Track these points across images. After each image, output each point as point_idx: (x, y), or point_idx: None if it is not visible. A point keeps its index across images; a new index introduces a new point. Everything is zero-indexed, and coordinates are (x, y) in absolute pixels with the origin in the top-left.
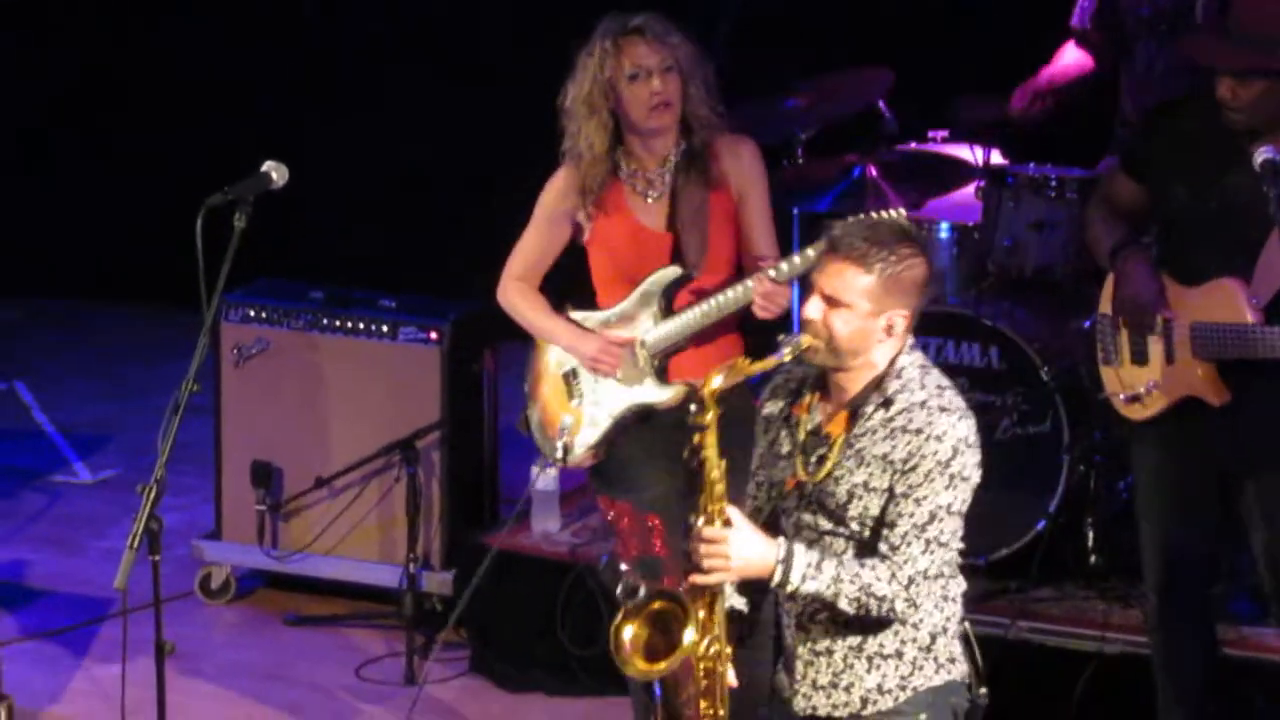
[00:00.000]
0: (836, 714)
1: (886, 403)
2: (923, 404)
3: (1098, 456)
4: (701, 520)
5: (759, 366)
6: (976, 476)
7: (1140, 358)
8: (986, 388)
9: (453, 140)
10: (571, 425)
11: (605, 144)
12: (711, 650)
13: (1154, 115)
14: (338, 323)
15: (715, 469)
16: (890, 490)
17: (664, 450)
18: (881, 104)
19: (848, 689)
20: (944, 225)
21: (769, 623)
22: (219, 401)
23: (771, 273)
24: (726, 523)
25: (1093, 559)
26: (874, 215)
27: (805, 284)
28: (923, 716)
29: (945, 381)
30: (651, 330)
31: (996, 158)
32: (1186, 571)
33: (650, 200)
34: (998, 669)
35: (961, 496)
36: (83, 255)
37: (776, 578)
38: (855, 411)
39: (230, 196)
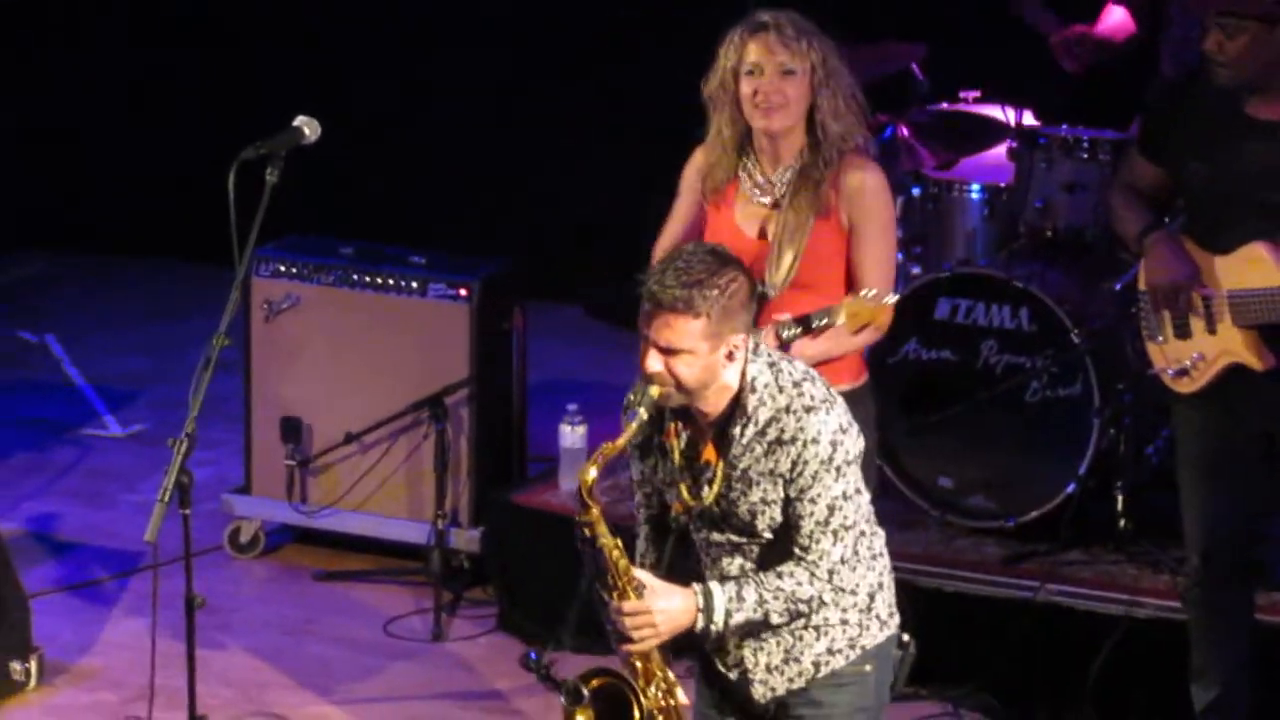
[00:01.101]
0: (794, 686)
1: (751, 419)
2: (787, 409)
3: (1128, 419)
4: (617, 597)
5: (623, 441)
6: (860, 448)
7: (1183, 332)
8: (1017, 350)
9: (489, 97)
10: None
11: (734, 137)
12: (660, 692)
13: (1163, 98)
14: (368, 279)
15: (615, 550)
16: (786, 498)
17: None
18: (914, 65)
19: (799, 659)
20: (975, 186)
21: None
22: (249, 356)
23: (784, 333)
24: (640, 591)
25: (1122, 523)
26: (679, 254)
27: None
28: (868, 668)
29: (799, 372)
30: None
31: (1029, 118)
32: (1228, 536)
33: (757, 204)
34: (1025, 632)
35: (853, 478)
36: (114, 209)
37: (701, 623)
38: (723, 434)
39: (262, 151)
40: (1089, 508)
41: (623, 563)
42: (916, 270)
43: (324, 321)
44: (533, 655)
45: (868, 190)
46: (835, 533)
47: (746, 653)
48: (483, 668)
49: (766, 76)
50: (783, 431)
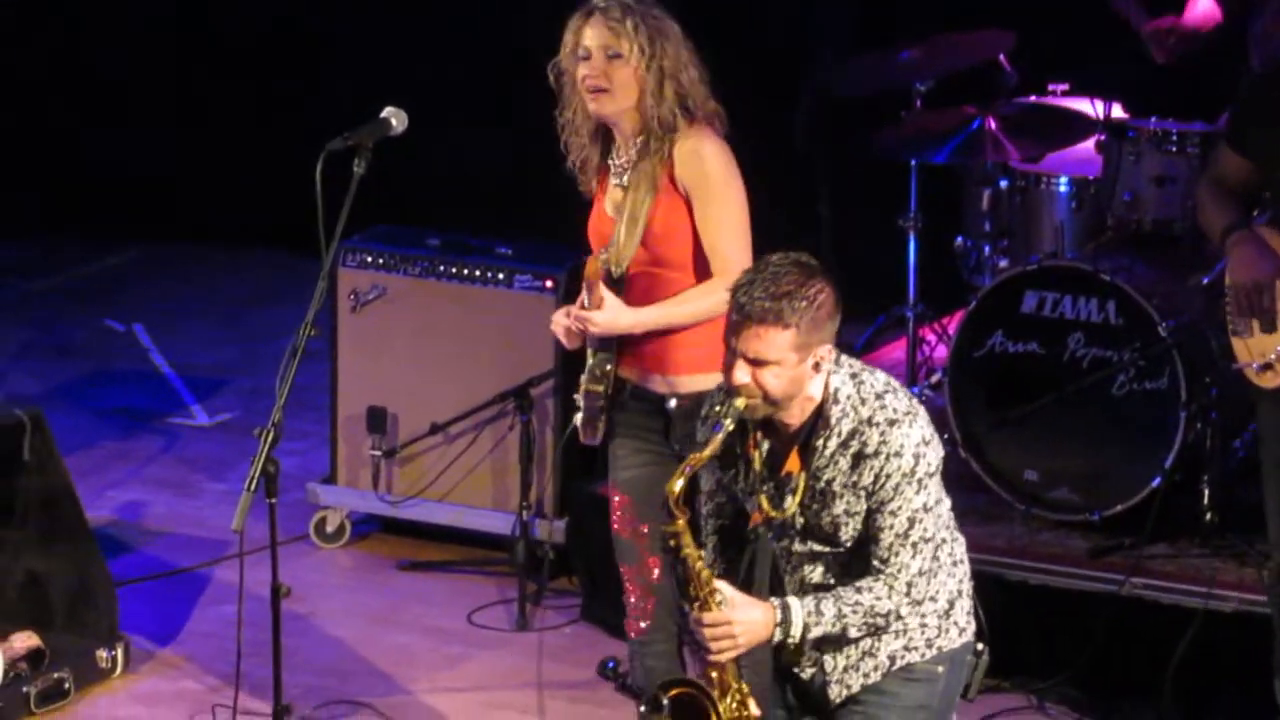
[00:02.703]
0: (869, 681)
1: (835, 431)
2: (870, 421)
3: (1214, 413)
4: (697, 608)
5: (709, 452)
6: (940, 458)
7: (1269, 326)
8: (1104, 343)
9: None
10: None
11: (588, 123)
12: (735, 703)
13: (1253, 89)
14: (454, 269)
15: (698, 561)
16: (867, 511)
17: (635, 431)
18: (1001, 57)
19: (874, 654)
20: (1063, 179)
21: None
22: (335, 347)
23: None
24: (720, 603)
25: (1208, 516)
26: (767, 265)
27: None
28: (940, 668)
29: (880, 383)
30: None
31: (1117, 111)
32: None
33: (616, 187)
34: (1109, 625)
35: (934, 489)
36: (202, 200)
37: (778, 636)
38: (806, 445)
39: (350, 142)
40: (1174, 501)
41: (705, 574)
42: (1004, 263)
43: (410, 312)
44: (610, 664)
45: (699, 156)
46: (915, 545)
47: (825, 656)
48: (567, 657)
49: (594, 61)
50: (865, 445)
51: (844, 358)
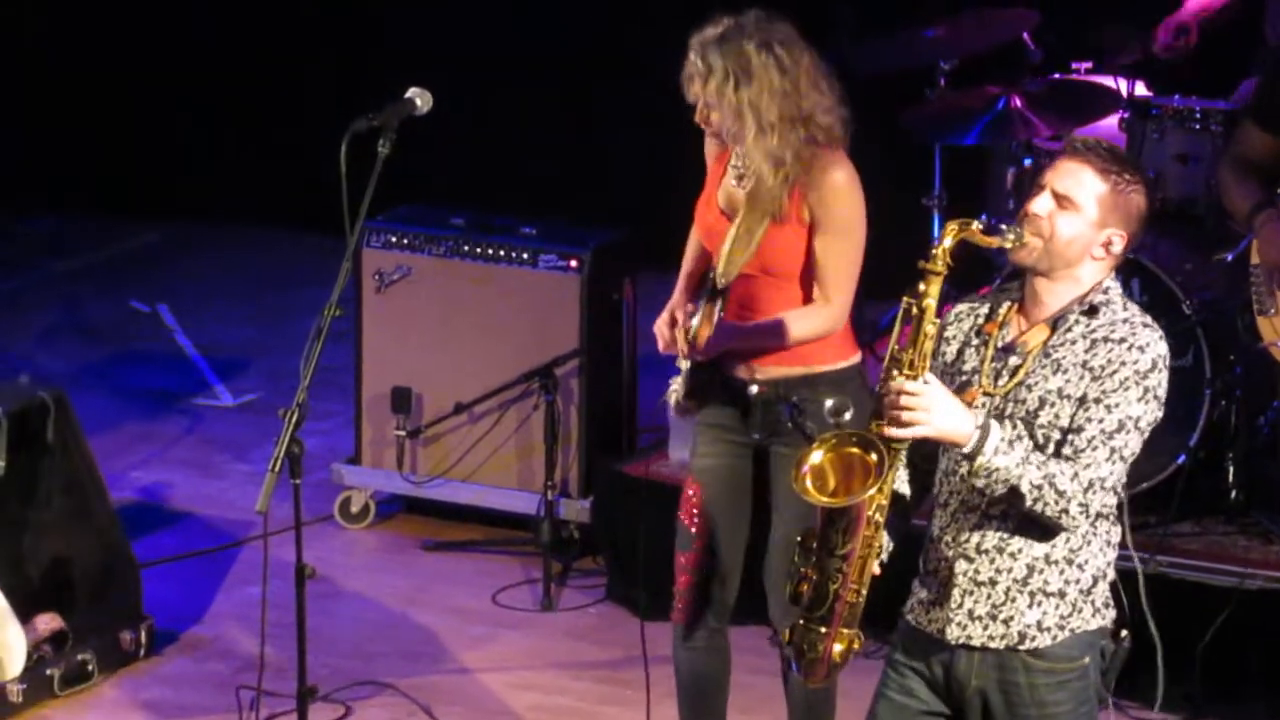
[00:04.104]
0: (992, 645)
1: (1091, 311)
2: (1126, 320)
3: (1239, 391)
4: (901, 375)
5: (986, 240)
6: (1166, 391)
7: None
8: None
9: (606, 69)
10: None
11: None
12: (878, 517)
13: (1277, 65)
14: (479, 249)
15: (930, 324)
16: (1083, 397)
17: (716, 420)
18: (1025, 35)
19: (1006, 622)
20: None
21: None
22: (360, 327)
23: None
24: (929, 383)
25: (1233, 494)
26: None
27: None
28: (1085, 660)
29: (1143, 312)
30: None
31: (1141, 89)
32: None
33: (732, 179)
34: (1134, 603)
35: (1151, 413)
36: (227, 179)
37: (971, 444)
38: (1056, 323)
39: (375, 123)
40: (1200, 479)
41: (928, 346)
42: None
43: (435, 292)
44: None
45: (834, 192)
46: (1114, 450)
47: (956, 591)
48: (592, 637)
49: (695, 101)
50: (1113, 330)
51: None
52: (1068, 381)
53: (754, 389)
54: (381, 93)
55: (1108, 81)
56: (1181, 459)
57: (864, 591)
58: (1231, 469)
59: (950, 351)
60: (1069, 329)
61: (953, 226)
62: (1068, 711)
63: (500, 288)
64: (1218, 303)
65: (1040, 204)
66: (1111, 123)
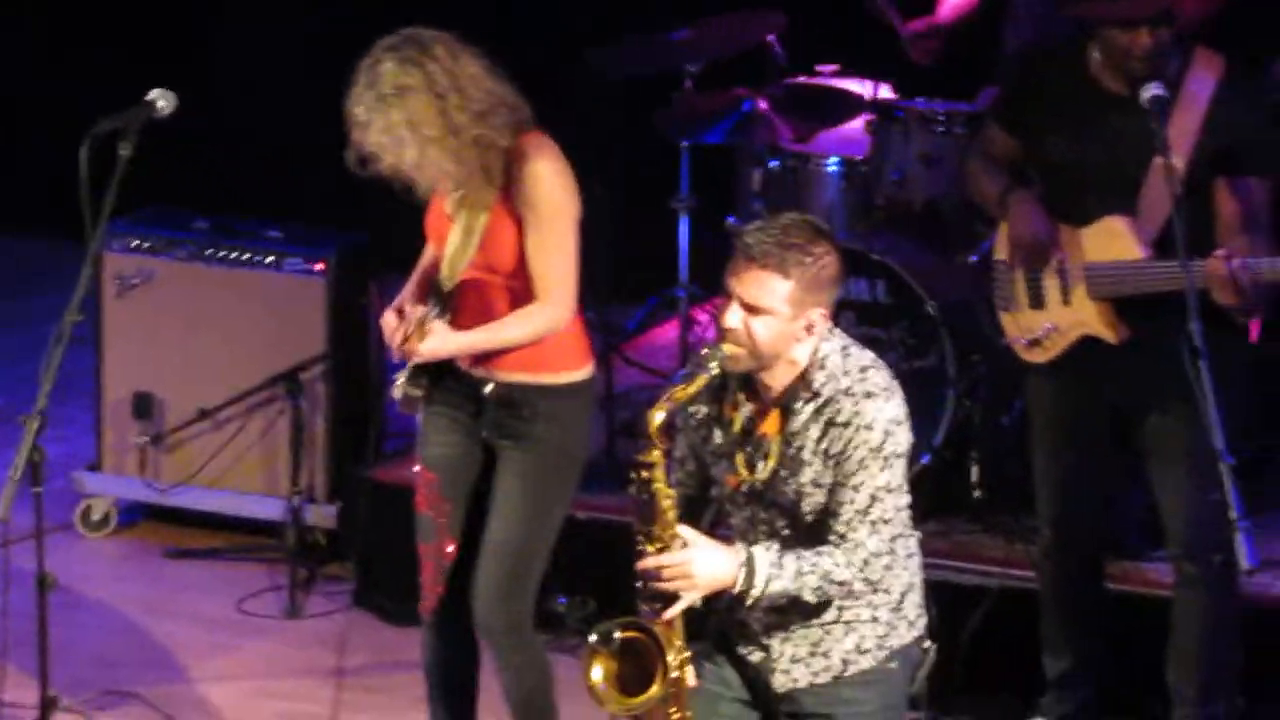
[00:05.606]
0: (818, 680)
1: (814, 396)
2: (848, 392)
3: (982, 389)
4: (658, 548)
5: (694, 389)
6: (909, 443)
7: (1037, 301)
8: (873, 322)
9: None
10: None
11: None
12: (677, 662)
13: (1022, 69)
14: (222, 253)
15: (666, 499)
16: (832, 485)
17: (448, 411)
18: (772, 38)
19: (827, 654)
20: (832, 159)
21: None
22: (100, 332)
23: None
24: (683, 545)
25: (977, 493)
26: (781, 217)
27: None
28: (894, 665)
29: (867, 359)
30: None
31: (885, 92)
32: (1079, 506)
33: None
34: None
35: (899, 471)
36: None
37: (740, 584)
38: (786, 409)
39: (116, 125)
40: (945, 479)
41: (671, 514)
42: None
43: (177, 296)
44: (562, 600)
45: (535, 179)
46: (874, 524)
47: (774, 642)
48: (338, 644)
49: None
50: (838, 413)
51: (839, 330)
52: (816, 472)
53: (489, 388)
54: (134, 90)
55: (852, 84)
56: (926, 459)
57: (689, 713)
58: (976, 468)
59: (698, 434)
60: (799, 412)
61: (656, 409)
62: (871, 712)
63: (244, 291)
64: (962, 303)
65: (732, 318)
66: (856, 126)
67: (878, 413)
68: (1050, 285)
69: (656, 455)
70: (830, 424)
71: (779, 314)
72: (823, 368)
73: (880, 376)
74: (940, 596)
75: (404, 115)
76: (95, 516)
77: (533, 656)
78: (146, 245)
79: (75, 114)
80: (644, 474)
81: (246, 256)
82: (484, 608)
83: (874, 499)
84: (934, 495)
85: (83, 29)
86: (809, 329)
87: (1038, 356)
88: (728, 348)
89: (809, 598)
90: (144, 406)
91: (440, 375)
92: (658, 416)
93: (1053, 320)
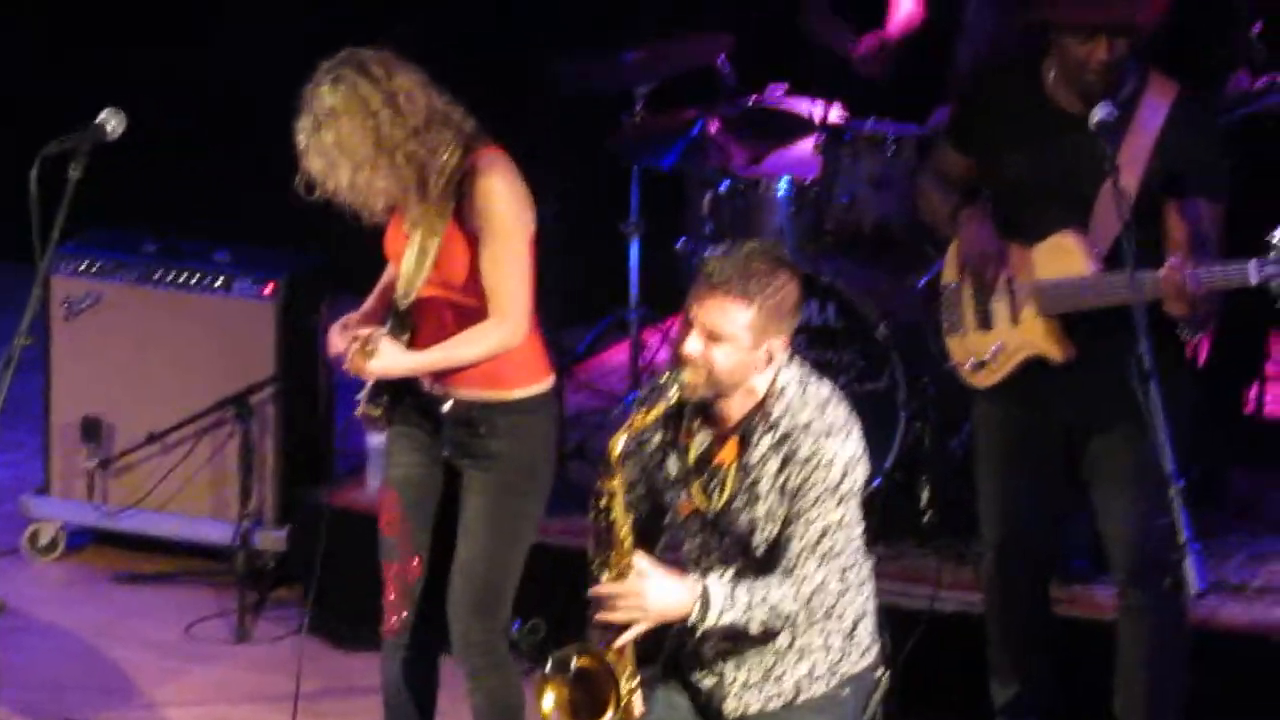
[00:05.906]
0: (770, 707)
1: (772, 427)
2: (808, 427)
3: (932, 413)
4: (614, 575)
5: (653, 416)
6: (865, 478)
7: (985, 323)
8: (824, 345)
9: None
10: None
11: None
12: (628, 690)
13: (974, 84)
14: (170, 275)
15: (624, 527)
16: (785, 518)
17: (410, 432)
18: (721, 59)
19: (779, 680)
20: (782, 181)
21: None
22: (48, 355)
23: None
24: (638, 575)
25: (927, 516)
26: (744, 245)
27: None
28: (846, 691)
29: (825, 390)
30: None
31: (836, 112)
32: (1025, 528)
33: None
34: None
35: (853, 506)
36: None
37: (695, 616)
38: (743, 438)
39: (65, 146)
40: (896, 502)
41: (628, 542)
42: None
43: (126, 319)
44: (516, 625)
45: (487, 194)
46: (822, 558)
47: (727, 667)
48: (288, 669)
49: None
50: (797, 449)
51: (798, 359)
52: (770, 506)
53: (447, 406)
54: (85, 113)
55: (802, 105)
56: (877, 482)
57: None
58: (926, 491)
59: (651, 460)
60: (756, 445)
61: (617, 435)
62: None
63: (193, 314)
64: (912, 326)
65: (692, 345)
66: (806, 148)
67: (838, 449)
68: (999, 306)
69: (616, 483)
70: (789, 459)
71: (739, 342)
72: (781, 397)
73: (840, 411)
74: (890, 620)
75: (334, 138)
76: (43, 540)
77: (506, 677)
78: (94, 268)
79: (24, 134)
80: (604, 501)
81: (195, 279)
82: (459, 627)
83: (825, 533)
84: (884, 518)
85: (36, 50)
86: (769, 359)
87: (983, 380)
88: (687, 375)
89: (755, 630)
90: (92, 430)
91: (400, 394)
92: (619, 443)
93: (1000, 340)
